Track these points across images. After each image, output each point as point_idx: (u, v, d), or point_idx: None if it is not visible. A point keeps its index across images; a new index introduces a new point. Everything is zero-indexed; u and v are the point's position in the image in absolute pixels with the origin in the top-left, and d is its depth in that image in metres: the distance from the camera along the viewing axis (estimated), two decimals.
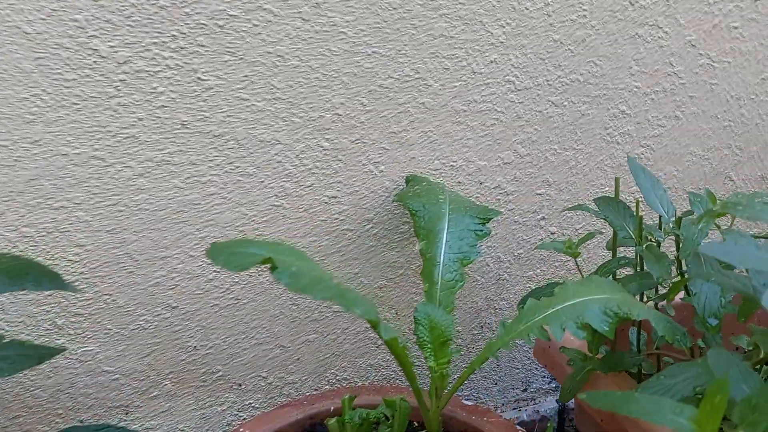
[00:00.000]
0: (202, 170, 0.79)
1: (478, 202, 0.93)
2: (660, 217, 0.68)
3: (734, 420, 0.44)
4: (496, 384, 1.07)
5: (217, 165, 0.80)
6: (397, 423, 0.70)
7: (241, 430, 0.83)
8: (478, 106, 0.89)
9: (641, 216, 0.69)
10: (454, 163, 0.90)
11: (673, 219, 0.67)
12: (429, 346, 0.63)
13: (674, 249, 0.69)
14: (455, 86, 0.87)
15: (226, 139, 0.79)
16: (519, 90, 0.90)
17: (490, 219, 0.76)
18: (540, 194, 0.97)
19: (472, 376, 1.04)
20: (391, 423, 0.70)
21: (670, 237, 0.70)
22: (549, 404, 1.11)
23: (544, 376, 1.10)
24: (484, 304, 1.00)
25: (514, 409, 1.09)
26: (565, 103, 0.93)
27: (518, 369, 1.07)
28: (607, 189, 1.00)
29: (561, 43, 0.89)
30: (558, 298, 0.61)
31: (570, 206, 0.92)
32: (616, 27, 0.91)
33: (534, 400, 1.11)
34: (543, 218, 0.98)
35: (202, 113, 0.77)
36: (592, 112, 0.95)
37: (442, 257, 0.71)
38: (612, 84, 0.94)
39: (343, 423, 0.72)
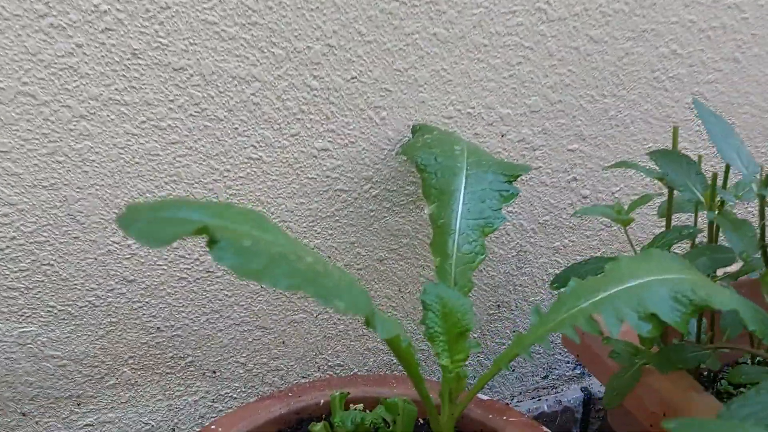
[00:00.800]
0: (160, 112, 0.64)
1: (497, 156, 0.77)
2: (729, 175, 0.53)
3: None
4: (513, 370, 0.93)
5: (180, 106, 0.64)
6: (401, 429, 0.56)
7: (212, 427, 0.69)
8: (502, 40, 0.73)
9: (716, 173, 0.53)
10: (472, 110, 0.75)
11: (758, 176, 0.52)
12: (442, 338, 0.48)
13: (752, 217, 0.54)
14: (475, 14, 0.71)
15: (189, 73, 0.64)
16: (552, 21, 0.74)
17: (518, 176, 0.60)
18: (572, 150, 0.81)
19: (486, 361, 0.90)
20: (393, 429, 0.56)
21: (745, 203, 0.55)
22: (573, 393, 0.97)
23: (568, 361, 0.96)
24: (502, 279, 0.86)
25: (533, 398, 0.95)
26: (607, 39, 0.77)
27: (538, 353, 0.93)
28: (651, 145, 0.84)
29: None
30: (610, 278, 0.46)
31: (610, 164, 0.76)
32: None
33: (556, 388, 0.97)
34: (574, 179, 0.83)
35: (159, 40, 0.62)
36: (637, 51, 0.79)
37: (458, 224, 0.56)
38: (662, 17, 0.78)
39: (331, 427, 0.58)
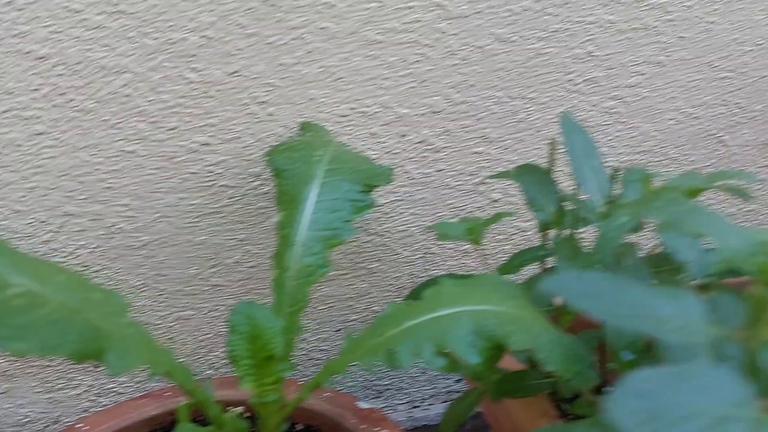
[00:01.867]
0: (23, 102, 0.62)
1: (397, 158, 0.74)
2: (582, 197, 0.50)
3: None
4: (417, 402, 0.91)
5: (44, 96, 0.62)
6: None
7: (78, 425, 0.68)
8: (398, 37, 0.69)
9: (563, 195, 0.50)
10: (367, 109, 0.72)
11: (604, 201, 0.48)
12: (246, 362, 0.46)
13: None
14: (367, 8, 0.67)
15: (53, 63, 0.61)
16: (453, 18, 0.70)
17: (375, 186, 0.57)
18: (478, 152, 0.78)
19: (379, 382, 0.88)
20: None
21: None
22: None
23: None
24: (407, 282, 0.83)
25: (445, 401, 0.93)
26: (515, 38, 0.73)
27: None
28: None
29: None
30: (424, 305, 0.44)
31: (494, 174, 0.72)
32: None
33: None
34: (482, 182, 0.80)
35: (18, 27, 0.59)
36: (549, 52, 0.75)
37: (301, 235, 0.53)
38: (578, 16, 0.74)
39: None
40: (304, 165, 0.57)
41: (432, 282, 0.49)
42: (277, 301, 0.51)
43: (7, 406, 0.75)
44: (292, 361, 0.52)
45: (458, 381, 0.93)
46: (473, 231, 0.55)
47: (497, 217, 0.56)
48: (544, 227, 0.54)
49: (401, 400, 0.91)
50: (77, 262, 0.70)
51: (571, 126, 0.52)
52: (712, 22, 0.79)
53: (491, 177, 0.73)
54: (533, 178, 0.53)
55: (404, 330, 0.41)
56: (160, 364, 0.42)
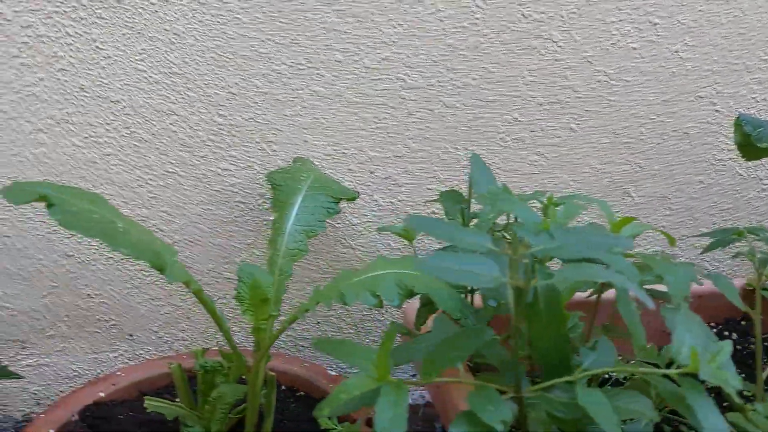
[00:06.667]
0: (99, 132, 0.83)
1: (367, 189, 0.95)
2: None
3: (418, 371, 0.46)
4: None
5: (114, 129, 0.84)
6: (233, 372, 0.72)
7: (117, 372, 0.87)
8: (372, 100, 0.91)
9: (464, 209, 0.70)
10: (347, 151, 0.93)
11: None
12: (248, 302, 0.65)
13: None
14: (348, 78, 0.89)
15: (123, 105, 0.83)
16: (411, 88, 0.91)
17: (345, 199, 0.78)
18: (431, 189, 0.98)
19: None
20: (227, 372, 0.73)
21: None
22: None
23: None
24: None
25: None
26: (458, 105, 0.94)
27: None
28: None
29: (454, 47, 0.91)
30: (366, 269, 0.63)
31: (433, 199, 0.94)
32: (510, 37, 0.92)
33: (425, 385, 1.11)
34: (434, 212, 0.99)
35: (101, 80, 0.81)
36: (486, 116, 0.96)
37: (289, 227, 0.73)
38: (507, 90, 0.95)
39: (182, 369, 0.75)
40: (293, 182, 0.78)
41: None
42: (270, 271, 0.70)
43: (63, 362, 0.94)
44: (279, 311, 0.70)
45: (413, 375, 1.10)
46: (408, 230, 0.75)
47: None
48: None
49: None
50: None
51: (478, 162, 0.72)
52: (613, 100, 1.00)
53: (430, 201, 0.93)
54: (451, 198, 0.73)
55: (351, 283, 0.60)
56: (194, 284, 0.61)
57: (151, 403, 0.68)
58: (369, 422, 0.77)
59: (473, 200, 0.72)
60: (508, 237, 0.71)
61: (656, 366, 0.68)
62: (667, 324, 0.53)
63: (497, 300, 0.60)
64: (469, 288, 0.72)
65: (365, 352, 0.45)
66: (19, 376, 0.72)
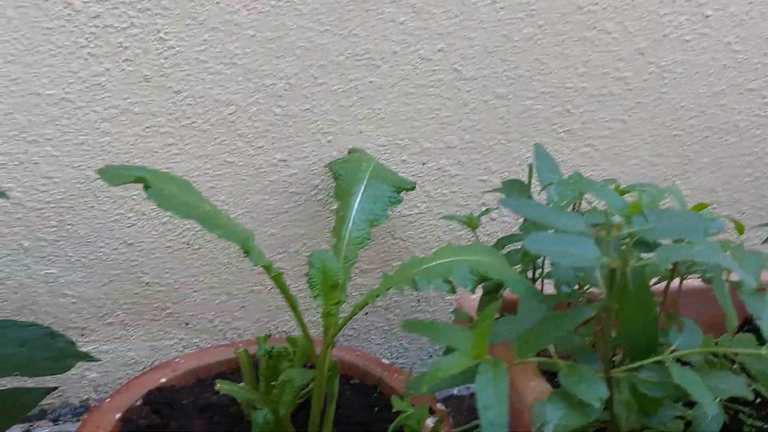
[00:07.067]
0: (161, 121, 0.84)
1: (419, 180, 0.95)
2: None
3: (513, 350, 0.46)
4: (431, 356, 1.08)
5: (176, 119, 0.85)
6: (298, 357, 0.73)
7: (176, 359, 0.88)
8: (426, 90, 0.91)
9: (530, 196, 0.70)
10: (400, 142, 0.93)
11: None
12: (319, 287, 0.66)
13: None
14: (404, 69, 0.89)
15: (184, 95, 0.84)
16: (465, 79, 0.92)
17: (405, 189, 0.78)
18: (483, 180, 0.98)
19: (408, 346, 1.06)
20: (292, 358, 0.73)
21: None
22: None
23: None
24: None
25: None
26: (511, 96, 0.94)
27: None
28: None
29: (508, 38, 0.91)
30: (435, 256, 0.63)
31: (488, 190, 0.94)
32: (564, 28, 0.92)
33: None
34: (484, 203, 1.00)
35: (164, 70, 0.82)
36: (537, 108, 0.96)
37: (353, 216, 0.74)
38: (559, 82, 0.95)
39: (249, 354, 0.76)
40: (354, 172, 0.79)
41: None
42: (336, 258, 0.71)
43: (121, 349, 0.95)
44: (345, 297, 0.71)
45: None
46: (472, 219, 0.75)
47: (487, 211, 0.76)
48: (524, 220, 0.74)
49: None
50: (184, 240, 0.91)
51: (541, 152, 0.72)
52: (664, 92, 1.00)
53: (487, 191, 0.93)
54: (514, 186, 0.73)
55: (422, 269, 0.60)
56: (273, 271, 0.62)
57: (223, 386, 0.69)
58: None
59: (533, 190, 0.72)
60: None
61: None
62: (749, 309, 0.53)
63: (571, 285, 0.61)
64: (536, 275, 0.72)
65: (459, 332, 0.46)
66: (96, 359, 0.73)
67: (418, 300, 1.04)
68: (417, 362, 1.08)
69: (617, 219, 0.49)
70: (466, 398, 1.09)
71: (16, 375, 0.64)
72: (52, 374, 0.66)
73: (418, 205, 0.97)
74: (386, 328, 1.05)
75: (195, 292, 0.94)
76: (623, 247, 0.47)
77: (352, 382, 0.89)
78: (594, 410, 0.43)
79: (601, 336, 0.48)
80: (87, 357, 0.70)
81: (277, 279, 0.61)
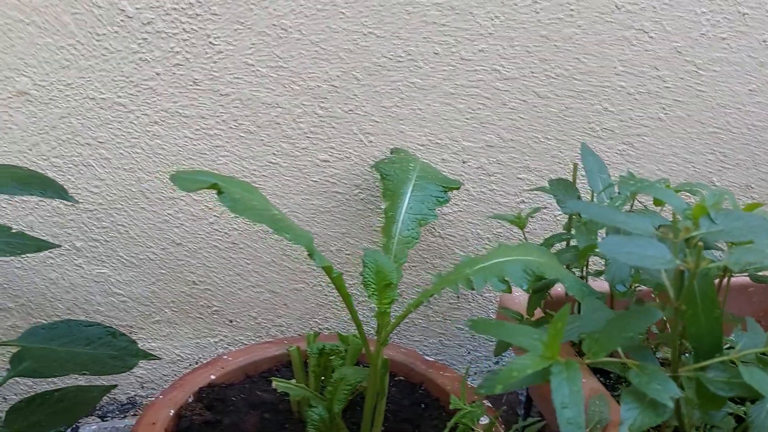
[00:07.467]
0: (210, 124, 0.86)
1: (459, 179, 0.96)
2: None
3: (584, 349, 0.47)
4: (469, 353, 1.10)
5: (224, 121, 0.86)
6: (350, 355, 0.74)
7: (224, 356, 0.89)
8: (466, 90, 0.92)
9: (579, 195, 0.71)
10: (441, 141, 0.94)
11: (609, 198, 0.69)
12: (373, 286, 0.67)
13: None
14: (445, 70, 0.90)
15: (232, 98, 0.85)
16: (506, 79, 0.92)
17: (452, 188, 0.79)
18: (521, 179, 0.99)
19: (447, 342, 1.08)
20: (344, 355, 0.75)
21: None
22: None
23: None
24: None
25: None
26: (550, 96, 0.95)
27: (493, 342, 1.10)
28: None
29: (548, 38, 0.91)
30: (489, 256, 0.64)
31: (533, 188, 0.95)
32: (603, 28, 0.93)
33: None
34: (523, 201, 1.01)
35: (213, 74, 0.84)
36: (576, 106, 0.97)
37: (402, 216, 0.75)
38: (597, 81, 0.96)
39: (303, 351, 0.78)
40: (402, 172, 0.80)
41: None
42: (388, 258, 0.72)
43: (168, 346, 0.97)
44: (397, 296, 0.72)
45: (496, 363, 1.12)
46: (520, 218, 0.76)
47: (534, 210, 0.77)
48: (569, 220, 0.75)
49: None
50: (230, 240, 0.92)
51: (587, 150, 0.73)
52: (701, 90, 1.00)
53: (529, 189, 0.94)
54: (562, 186, 0.74)
55: (477, 269, 0.61)
56: (334, 272, 0.63)
57: (279, 384, 0.71)
58: None
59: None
60: None
61: None
62: None
63: (626, 284, 0.61)
64: (583, 273, 0.73)
65: (528, 332, 0.47)
66: (156, 357, 0.74)
67: (457, 297, 1.05)
68: (456, 359, 1.09)
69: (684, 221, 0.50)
70: (504, 394, 1.10)
71: (84, 373, 0.66)
72: (117, 372, 0.68)
73: (458, 203, 0.98)
74: (424, 325, 1.06)
75: (239, 290, 0.96)
76: (691, 249, 0.48)
77: (396, 378, 0.91)
78: (667, 409, 0.44)
79: (669, 337, 0.49)
80: (148, 355, 0.72)
81: (338, 280, 0.62)
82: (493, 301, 1.07)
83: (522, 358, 0.46)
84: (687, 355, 0.60)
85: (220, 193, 0.52)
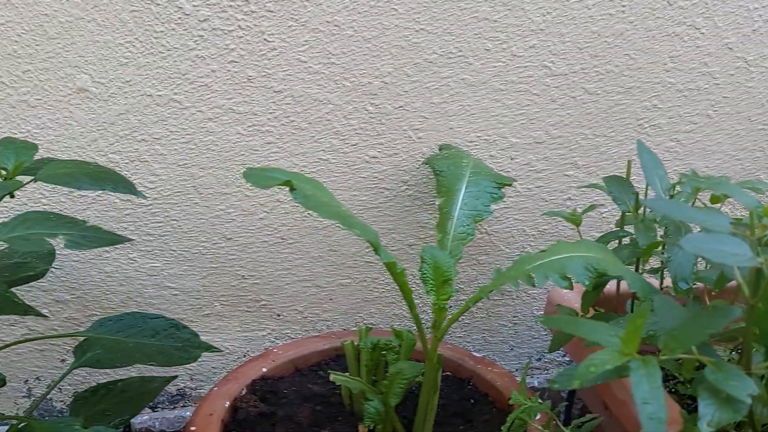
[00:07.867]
0: (262, 120, 0.87)
1: (506, 175, 0.96)
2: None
3: (660, 346, 0.47)
4: (512, 349, 1.10)
5: (276, 117, 0.87)
6: (404, 350, 0.75)
7: (274, 350, 0.90)
8: (516, 87, 0.92)
9: (637, 192, 0.71)
10: (489, 137, 0.94)
11: (668, 195, 0.69)
12: (431, 282, 0.67)
13: None
14: (495, 66, 0.90)
15: (284, 95, 0.86)
16: (555, 75, 0.92)
17: (505, 185, 0.80)
18: (568, 175, 0.99)
19: (490, 338, 1.08)
20: (398, 350, 0.76)
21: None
22: None
23: (560, 349, 1.12)
24: None
25: (528, 375, 1.12)
26: (599, 92, 0.95)
27: (536, 338, 1.10)
28: (634, 177, 1.01)
29: (599, 34, 0.91)
30: (548, 252, 0.64)
31: (584, 185, 0.95)
32: (654, 24, 0.92)
33: (547, 370, 1.13)
34: (569, 198, 1.00)
35: (266, 71, 0.84)
36: (625, 103, 0.96)
37: (456, 212, 0.76)
38: (647, 77, 0.95)
39: (356, 346, 0.78)
40: (455, 168, 0.80)
41: None
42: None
43: (217, 339, 0.98)
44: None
45: (539, 359, 1.12)
46: (575, 215, 0.76)
47: (590, 207, 0.77)
48: (623, 216, 0.75)
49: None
50: (279, 235, 0.94)
51: (643, 148, 0.73)
52: (750, 87, 0.99)
53: (582, 186, 0.94)
54: (617, 183, 0.74)
55: (537, 265, 0.62)
56: (397, 268, 0.63)
57: (338, 378, 0.71)
58: None
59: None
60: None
61: None
62: None
63: (689, 281, 0.61)
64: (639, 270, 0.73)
65: (605, 329, 0.47)
66: (218, 350, 0.76)
67: (502, 293, 1.05)
68: (498, 355, 1.09)
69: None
70: (546, 391, 1.10)
71: (151, 364, 0.67)
72: (181, 364, 0.69)
73: (504, 199, 0.98)
74: (467, 321, 1.06)
75: (287, 284, 0.97)
76: (762, 247, 0.48)
77: (444, 374, 0.91)
78: (744, 406, 0.44)
79: (743, 334, 0.49)
80: (211, 347, 0.73)
81: (400, 276, 0.62)
82: (538, 298, 1.07)
83: (600, 354, 0.46)
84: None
85: (292, 189, 0.53)
